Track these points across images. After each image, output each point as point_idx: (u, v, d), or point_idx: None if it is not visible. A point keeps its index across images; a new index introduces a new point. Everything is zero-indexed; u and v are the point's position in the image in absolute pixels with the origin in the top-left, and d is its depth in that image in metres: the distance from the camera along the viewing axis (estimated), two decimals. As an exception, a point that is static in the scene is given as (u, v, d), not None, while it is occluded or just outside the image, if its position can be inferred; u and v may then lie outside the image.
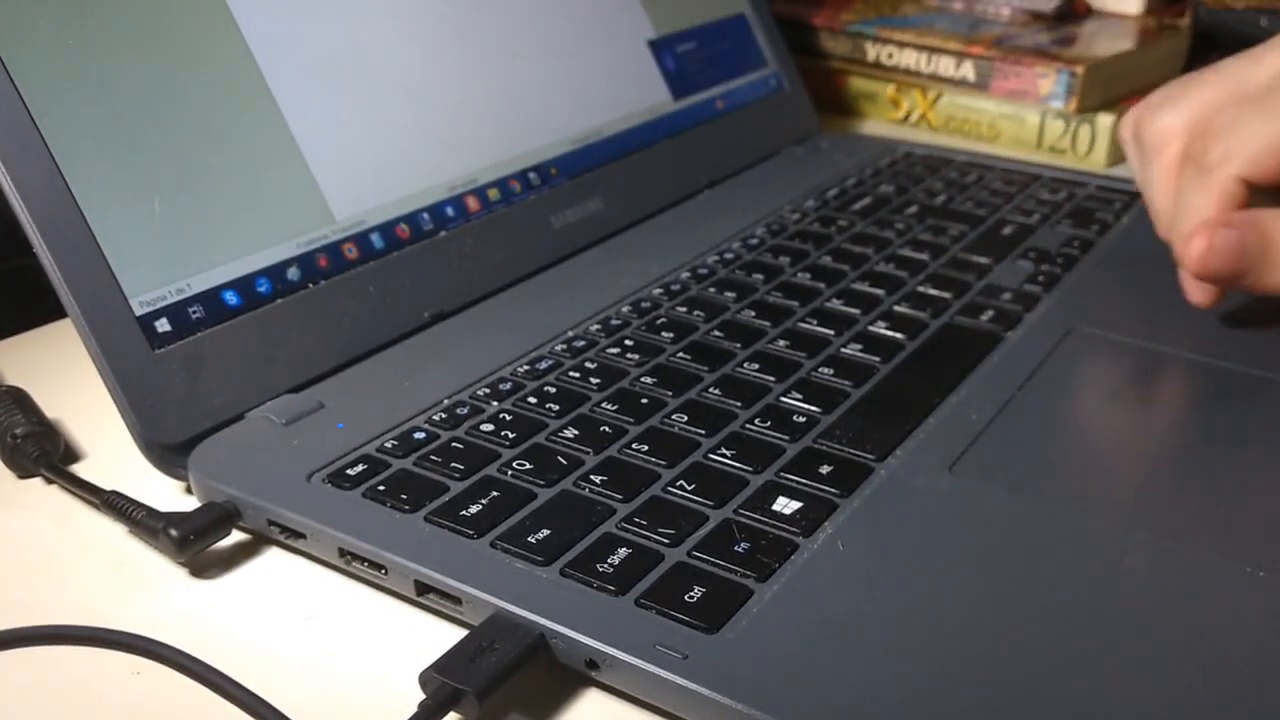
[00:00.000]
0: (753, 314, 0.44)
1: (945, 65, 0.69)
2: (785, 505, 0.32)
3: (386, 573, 0.31)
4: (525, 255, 0.47)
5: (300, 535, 0.33)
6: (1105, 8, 0.77)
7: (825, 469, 0.34)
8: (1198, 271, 0.39)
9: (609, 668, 0.28)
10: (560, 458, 0.35)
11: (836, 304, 0.44)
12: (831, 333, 0.42)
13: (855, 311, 0.44)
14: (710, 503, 0.33)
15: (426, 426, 0.36)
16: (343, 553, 0.32)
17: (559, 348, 0.41)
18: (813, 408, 0.37)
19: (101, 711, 0.29)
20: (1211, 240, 0.38)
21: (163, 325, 0.36)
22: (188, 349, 0.36)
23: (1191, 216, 0.39)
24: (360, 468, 0.34)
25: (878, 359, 0.40)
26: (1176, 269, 0.41)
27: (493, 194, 0.47)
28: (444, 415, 0.37)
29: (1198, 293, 0.42)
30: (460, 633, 0.29)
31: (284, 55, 0.41)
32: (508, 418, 0.37)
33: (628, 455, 0.35)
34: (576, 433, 0.36)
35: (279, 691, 0.28)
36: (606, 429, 0.36)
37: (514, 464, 0.34)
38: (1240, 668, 0.27)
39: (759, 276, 0.47)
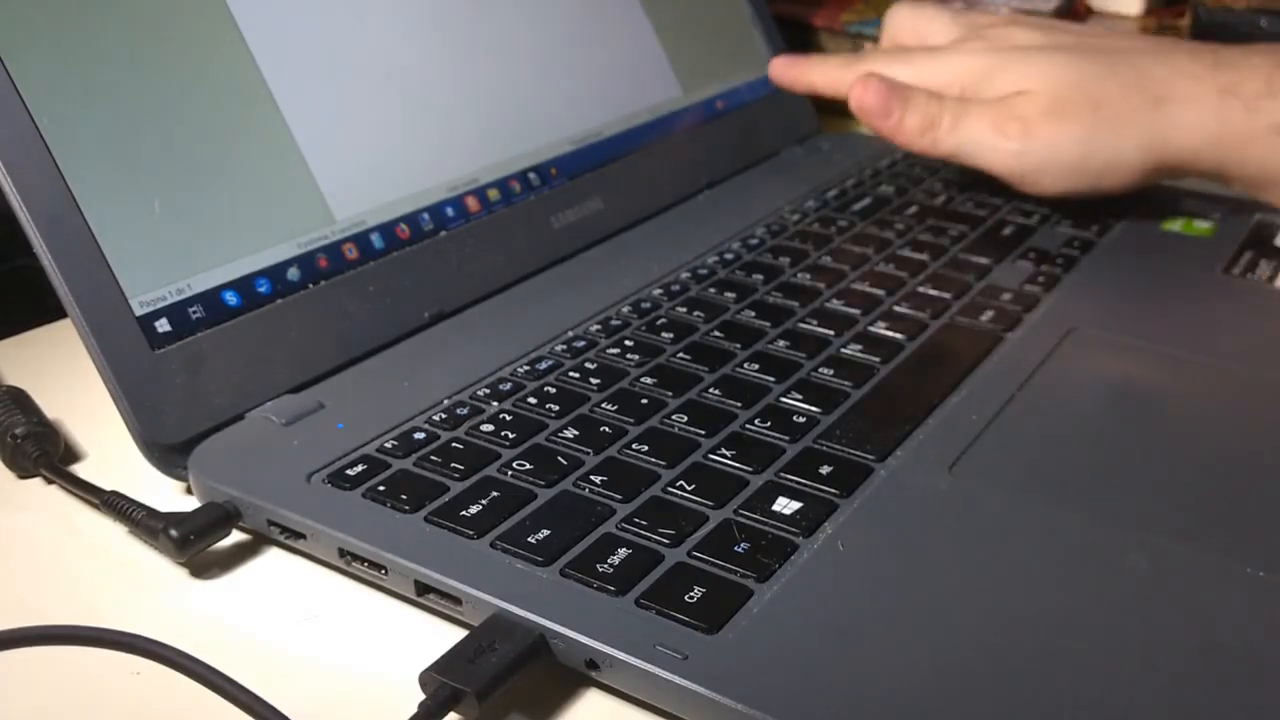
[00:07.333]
0: (753, 314, 0.44)
1: (945, 65, 0.69)
2: (785, 505, 0.32)
3: (386, 573, 0.31)
4: (525, 255, 0.47)
5: (300, 535, 0.33)
6: (1105, 8, 0.77)
7: (825, 469, 0.34)
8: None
9: (609, 668, 0.28)
10: (560, 458, 0.35)
11: (836, 304, 0.44)
12: (831, 333, 0.42)
13: (855, 312, 0.44)
14: (710, 503, 0.33)
15: (426, 427, 0.36)
16: (343, 553, 0.32)
17: (559, 348, 0.41)
18: (813, 408, 0.37)
19: (101, 711, 0.29)
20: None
21: (163, 325, 0.36)
22: (188, 349, 0.36)
23: None
24: (360, 468, 0.34)
25: (878, 359, 0.40)
26: (1176, 266, 0.41)
27: (493, 194, 0.47)
28: (444, 415, 0.37)
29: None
30: (460, 633, 0.29)
31: (284, 55, 0.41)
32: (508, 418, 0.37)
33: (628, 455, 0.35)
34: (576, 433, 0.36)
35: (279, 691, 0.28)
36: (606, 429, 0.36)
37: (514, 464, 0.34)
38: (1240, 668, 0.27)
39: (759, 277, 0.47)
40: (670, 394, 0.38)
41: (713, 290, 0.46)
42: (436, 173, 0.45)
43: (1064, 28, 0.54)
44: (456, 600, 0.30)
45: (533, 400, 0.38)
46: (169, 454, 0.35)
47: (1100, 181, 0.49)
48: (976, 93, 0.50)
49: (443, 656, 0.28)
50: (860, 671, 0.27)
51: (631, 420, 0.36)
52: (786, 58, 0.57)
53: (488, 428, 0.36)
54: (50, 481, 0.37)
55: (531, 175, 0.48)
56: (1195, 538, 0.31)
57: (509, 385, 0.39)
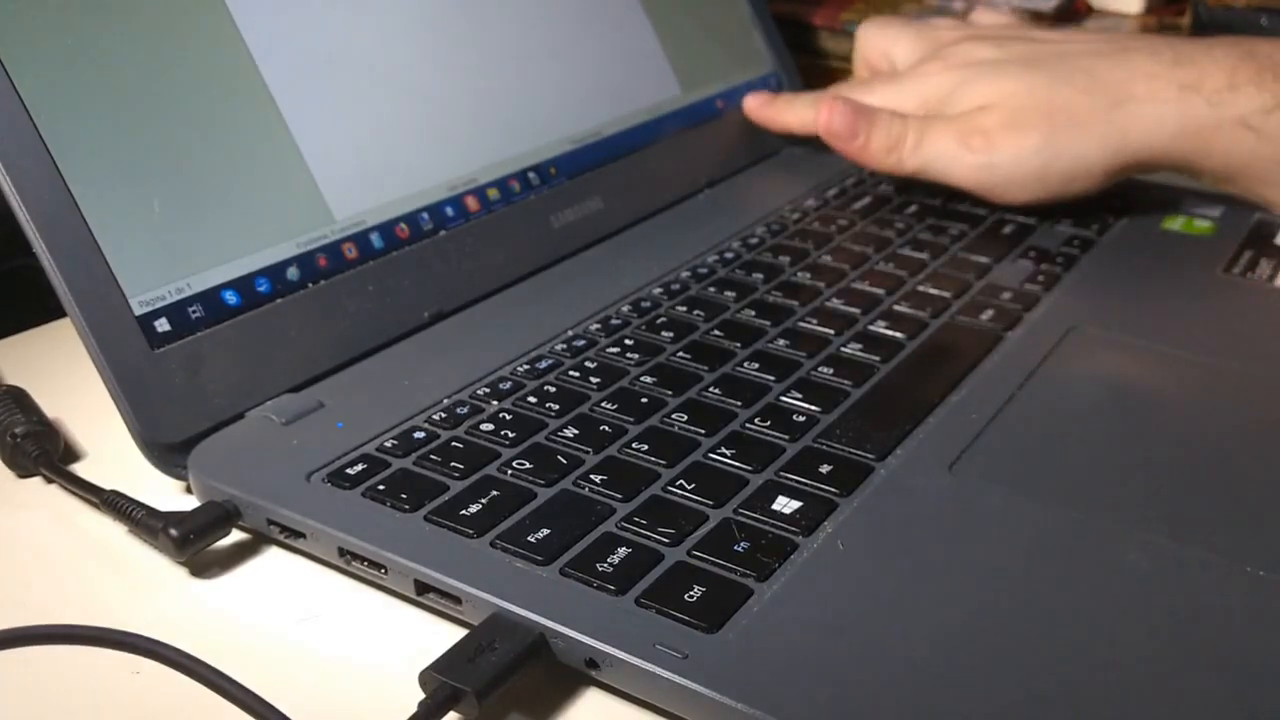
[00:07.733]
0: (753, 313, 0.44)
1: (945, 65, 0.69)
2: (785, 505, 0.32)
3: (386, 572, 0.31)
4: (525, 255, 0.47)
5: (300, 535, 0.33)
6: (1105, 7, 0.77)
7: (825, 468, 0.34)
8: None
9: (609, 667, 0.28)
10: (560, 457, 0.35)
11: (836, 303, 0.44)
12: (831, 332, 0.42)
13: (855, 311, 0.44)
14: (710, 502, 0.33)
15: (426, 426, 0.36)
16: (343, 552, 0.32)
17: (559, 347, 0.41)
18: (813, 407, 0.37)
19: (101, 711, 0.29)
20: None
21: (162, 325, 0.36)
22: (187, 348, 0.36)
23: None
24: (360, 467, 0.34)
25: (878, 358, 0.40)
26: (1176, 265, 0.42)
27: (492, 194, 0.47)
28: (444, 415, 0.37)
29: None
30: (460, 632, 0.29)
31: (283, 55, 0.41)
32: (508, 417, 0.37)
33: (628, 455, 0.35)
34: (576, 432, 0.36)
35: (279, 691, 0.28)
36: (606, 428, 0.36)
37: (514, 463, 0.34)
38: (1240, 667, 0.27)
39: (759, 276, 0.47)
40: (670, 393, 0.38)
41: (712, 289, 0.46)
42: (436, 172, 0.45)
43: (1023, 36, 0.54)
44: (456, 599, 0.30)
45: (532, 399, 0.38)
46: (169, 453, 0.35)
47: (1069, 187, 0.50)
48: (940, 111, 0.51)
49: (442, 656, 0.28)
50: (860, 671, 0.27)
51: (631, 419, 0.36)
52: (758, 97, 0.58)
53: (488, 427, 0.36)
54: (50, 481, 0.37)
55: (531, 175, 0.48)
56: (1195, 537, 0.31)
57: (509, 384, 0.39)
